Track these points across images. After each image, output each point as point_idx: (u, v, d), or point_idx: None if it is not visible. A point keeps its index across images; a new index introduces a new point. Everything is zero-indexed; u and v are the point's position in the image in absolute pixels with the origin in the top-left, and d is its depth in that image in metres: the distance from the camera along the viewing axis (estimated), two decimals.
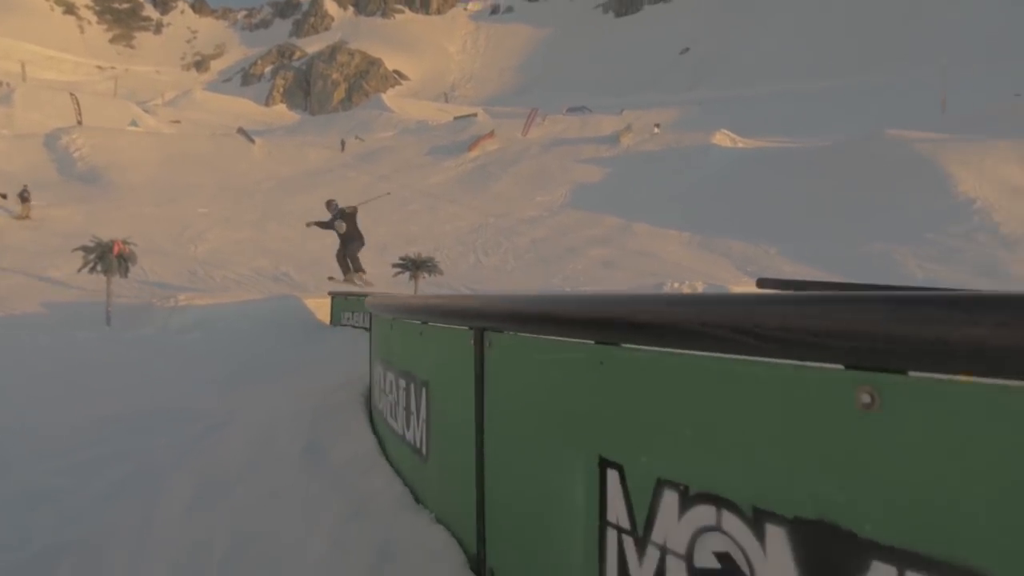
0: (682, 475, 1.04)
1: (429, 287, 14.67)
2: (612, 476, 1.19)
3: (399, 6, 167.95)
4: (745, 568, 0.94)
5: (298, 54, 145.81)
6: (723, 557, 0.97)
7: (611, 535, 1.20)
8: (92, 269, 10.08)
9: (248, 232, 32.62)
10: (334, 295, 10.73)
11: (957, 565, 0.71)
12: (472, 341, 1.69)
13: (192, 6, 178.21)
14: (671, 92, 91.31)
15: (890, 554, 0.77)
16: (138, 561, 2.10)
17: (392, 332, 2.63)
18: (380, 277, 17.08)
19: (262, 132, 74.08)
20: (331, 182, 49.48)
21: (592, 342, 1.26)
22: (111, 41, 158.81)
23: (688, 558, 1.03)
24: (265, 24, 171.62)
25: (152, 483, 2.83)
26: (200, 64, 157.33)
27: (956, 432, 0.72)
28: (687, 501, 1.03)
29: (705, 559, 1.00)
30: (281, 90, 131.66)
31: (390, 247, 31.92)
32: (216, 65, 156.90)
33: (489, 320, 1.63)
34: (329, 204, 15.27)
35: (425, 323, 2.16)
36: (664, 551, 1.08)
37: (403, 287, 13.94)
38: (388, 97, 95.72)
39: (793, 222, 24.50)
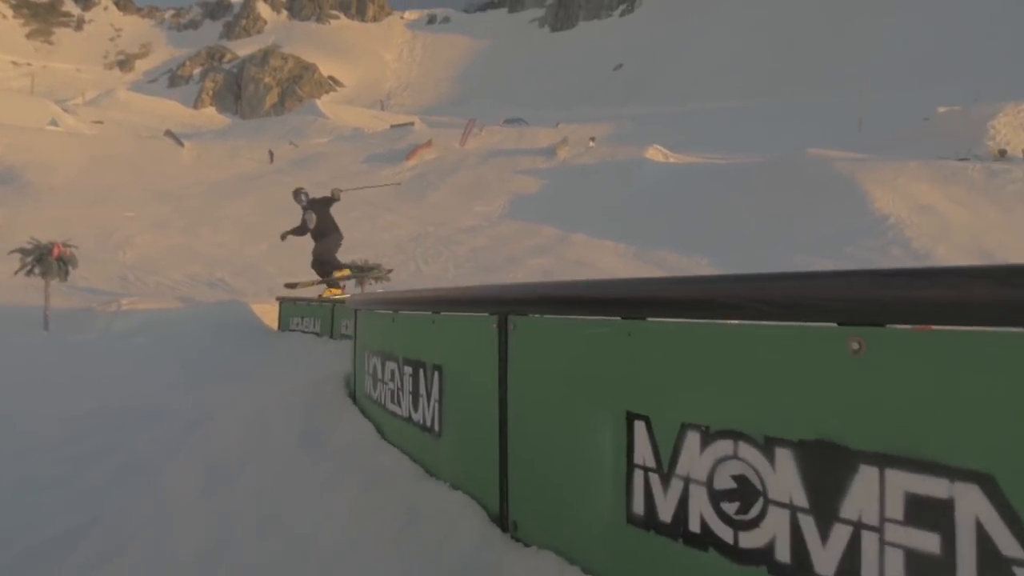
0: (704, 419, 1.32)
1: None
2: (639, 426, 1.46)
3: (334, 12, 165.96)
4: (757, 484, 1.22)
5: (229, 56, 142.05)
6: (739, 479, 1.25)
7: (638, 475, 1.46)
8: (30, 272, 9.78)
9: (179, 238, 31.70)
10: (282, 301, 10.69)
11: (919, 459, 1.00)
12: (495, 325, 1.93)
13: (116, 3, 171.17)
14: (605, 107, 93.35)
15: (872, 458, 1.06)
16: (163, 539, 2.23)
17: (394, 325, 2.84)
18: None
19: (191, 135, 71.91)
20: (264, 187, 48.44)
21: (619, 318, 1.53)
22: (28, 36, 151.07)
23: (708, 483, 1.31)
24: (194, 24, 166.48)
25: (154, 472, 2.93)
26: (124, 63, 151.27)
27: (921, 366, 1.02)
28: (708, 438, 1.31)
29: (724, 482, 1.28)
30: (211, 93, 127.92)
31: None
32: (141, 65, 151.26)
33: (513, 305, 1.88)
34: (297, 194, 11.43)
35: (437, 313, 2.39)
36: (687, 481, 1.35)
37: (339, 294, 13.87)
38: (322, 103, 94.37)
39: (722, 235, 25.42)
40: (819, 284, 1.14)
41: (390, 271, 13.79)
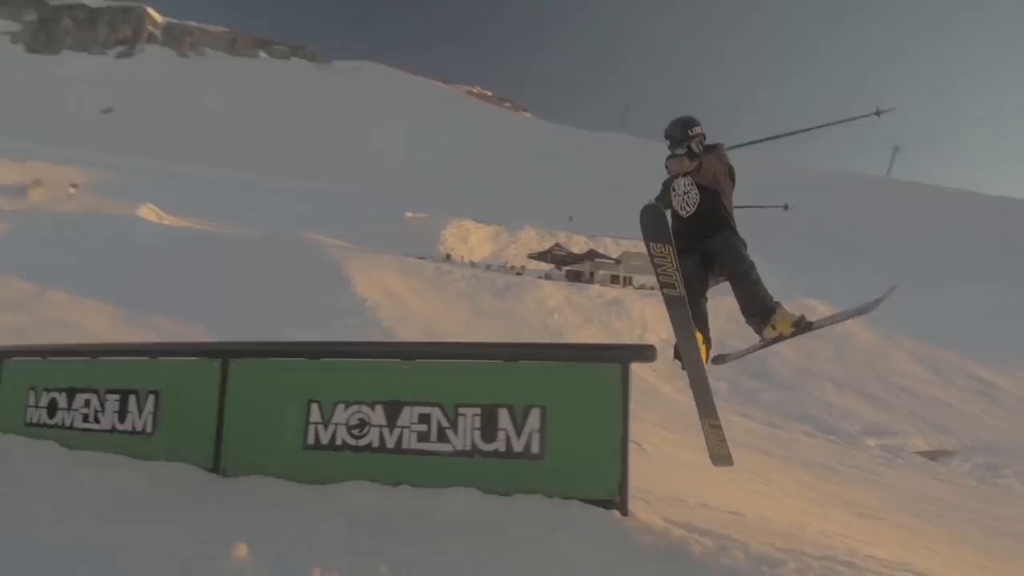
0: (346, 397, 3.33)
1: None
2: (313, 406, 3.36)
3: None
4: (368, 419, 3.29)
5: None
6: (360, 419, 3.30)
7: (311, 427, 3.36)
8: None
9: None
10: None
11: (424, 401, 3.23)
12: (218, 364, 3.54)
13: None
14: (89, 150, 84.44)
15: (409, 403, 3.25)
16: None
17: (95, 367, 3.91)
18: None
19: None
20: None
21: (306, 359, 3.43)
22: None
23: (347, 423, 3.32)
24: None
25: None
26: None
27: (439, 373, 3.27)
28: (348, 405, 3.32)
29: (353, 421, 3.31)
30: None
31: None
32: None
33: (234, 354, 3.54)
34: (688, 124, 3.67)
35: (155, 358, 3.74)
36: (336, 425, 3.33)
37: None
38: None
39: (219, 304, 26.16)
40: (414, 347, 3.31)
41: None
